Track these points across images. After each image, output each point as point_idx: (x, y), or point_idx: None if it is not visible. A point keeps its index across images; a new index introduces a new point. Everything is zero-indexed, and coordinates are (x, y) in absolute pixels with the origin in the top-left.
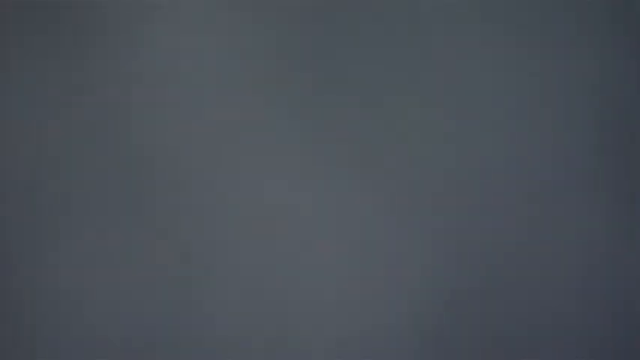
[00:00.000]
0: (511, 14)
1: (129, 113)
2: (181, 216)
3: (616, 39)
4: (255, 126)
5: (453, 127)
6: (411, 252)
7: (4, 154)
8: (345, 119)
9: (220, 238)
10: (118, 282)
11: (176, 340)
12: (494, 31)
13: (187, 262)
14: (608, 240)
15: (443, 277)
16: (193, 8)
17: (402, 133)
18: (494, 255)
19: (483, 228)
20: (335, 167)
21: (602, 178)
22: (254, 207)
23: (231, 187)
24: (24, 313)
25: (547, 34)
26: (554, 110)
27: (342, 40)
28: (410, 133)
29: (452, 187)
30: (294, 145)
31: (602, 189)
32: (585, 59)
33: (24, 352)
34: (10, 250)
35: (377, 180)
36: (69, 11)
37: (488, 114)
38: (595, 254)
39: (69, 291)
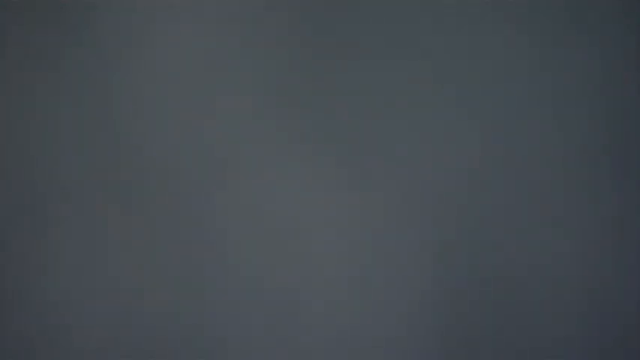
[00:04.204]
0: (511, 15)
1: (130, 114)
2: (182, 218)
3: (619, 38)
4: (257, 127)
5: (454, 127)
6: (412, 253)
7: (3, 154)
8: (346, 121)
9: (221, 240)
10: (118, 283)
11: (176, 342)
12: (493, 31)
13: (188, 264)
14: (609, 240)
15: (444, 279)
16: (193, 8)
17: (404, 135)
18: (496, 256)
19: (485, 229)
20: (336, 169)
21: (603, 178)
22: (255, 209)
23: (232, 189)
24: (24, 314)
25: (548, 34)
26: (555, 110)
27: (344, 41)
28: (412, 134)
29: (453, 188)
30: (295, 146)
31: (603, 189)
32: (587, 58)
33: (23, 353)
34: (9, 249)
35: (378, 182)
36: (69, 11)
37: (488, 114)
38: (596, 254)
39: (68, 291)
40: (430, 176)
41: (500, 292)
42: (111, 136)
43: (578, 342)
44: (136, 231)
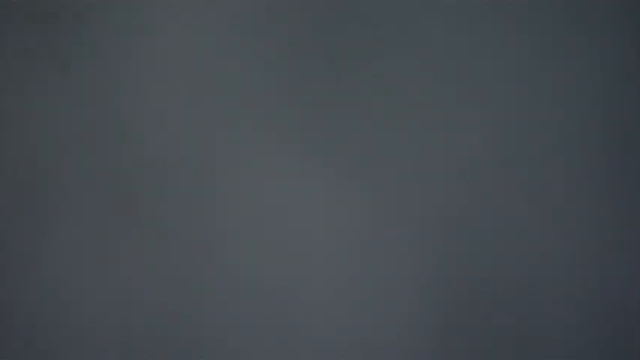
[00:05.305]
0: (511, 15)
1: (130, 114)
2: (182, 218)
3: (619, 38)
4: (257, 127)
5: (454, 127)
6: (412, 253)
7: (3, 154)
8: (347, 121)
9: (221, 240)
10: (117, 282)
11: (176, 342)
12: (493, 31)
13: (188, 264)
14: (609, 240)
15: (444, 279)
16: (193, 8)
17: (404, 133)
18: (496, 256)
19: (485, 229)
20: (337, 169)
21: (603, 178)
22: (255, 208)
23: (232, 189)
24: (22, 314)
25: (548, 34)
26: (555, 110)
27: (344, 41)
28: (412, 133)
29: (453, 188)
30: (295, 146)
31: (603, 189)
32: (587, 58)
33: (23, 352)
34: (9, 249)
35: (378, 182)
36: (69, 11)
37: (488, 114)
38: (596, 254)
39: (68, 291)
40: (430, 176)
41: (501, 292)
42: (111, 136)
43: (579, 342)
44: (135, 231)
